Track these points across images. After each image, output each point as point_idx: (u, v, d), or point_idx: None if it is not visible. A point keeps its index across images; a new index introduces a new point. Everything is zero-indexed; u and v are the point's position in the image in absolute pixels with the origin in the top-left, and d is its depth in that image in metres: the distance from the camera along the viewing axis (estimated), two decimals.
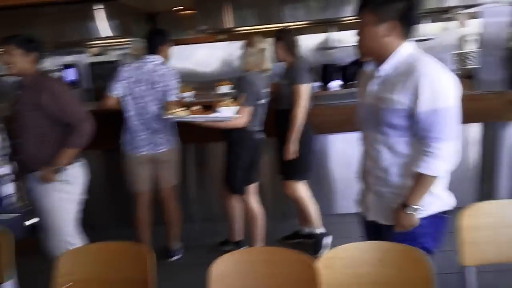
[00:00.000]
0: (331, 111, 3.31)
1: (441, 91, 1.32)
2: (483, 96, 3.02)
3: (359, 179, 1.64)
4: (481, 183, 3.17)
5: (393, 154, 1.44)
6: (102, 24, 4.56)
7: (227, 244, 2.93)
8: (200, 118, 2.44)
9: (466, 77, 3.66)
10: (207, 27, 4.65)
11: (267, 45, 2.62)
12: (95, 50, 5.40)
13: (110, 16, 4.46)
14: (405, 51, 1.39)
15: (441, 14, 4.84)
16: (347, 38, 5.28)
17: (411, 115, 1.35)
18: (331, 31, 5.21)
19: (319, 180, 3.52)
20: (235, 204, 2.84)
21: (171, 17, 5.36)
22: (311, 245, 2.91)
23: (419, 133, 1.37)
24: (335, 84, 3.70)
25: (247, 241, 2.82)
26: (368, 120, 1.50)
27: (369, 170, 1.54)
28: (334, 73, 3.74)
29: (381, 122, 1.42)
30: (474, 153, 3.24)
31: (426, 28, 5.19)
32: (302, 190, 2.88)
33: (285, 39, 2.76)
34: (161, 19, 5.48)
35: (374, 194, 1.53)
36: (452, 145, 1.35)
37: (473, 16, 4.50)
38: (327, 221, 3.33)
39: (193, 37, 5.35)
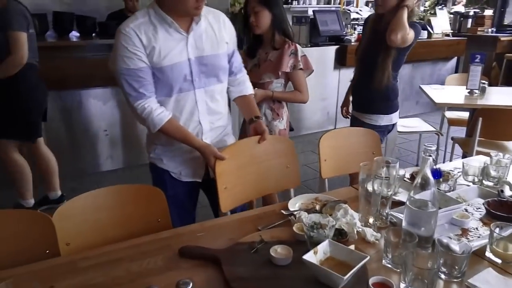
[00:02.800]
0: (76, 65, 3.06)
1: None
2: None
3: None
4: None
5: (225, 97, 1.62)
6: None
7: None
8: None
9: None
10: None
11: None
12: None
13: None
14: None
15: None
16: None
17: (230, 54, 1.59)
18: None
19: (69, 138, 3.28)
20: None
21: None
22: None
23: (237, 66, 1.65)
24: (72, 35, 3.39)
25: None
26: (196, 75, 1.46)
27: (208, 127, 1.56)
28: (70, 23, 3.40)
29: (218, 69, 1.52)
30: None
31: None
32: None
33: None
34: None
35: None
36: None
37: None
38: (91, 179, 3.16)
39: None
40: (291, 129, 2.31)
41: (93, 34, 3.44)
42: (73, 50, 3.21)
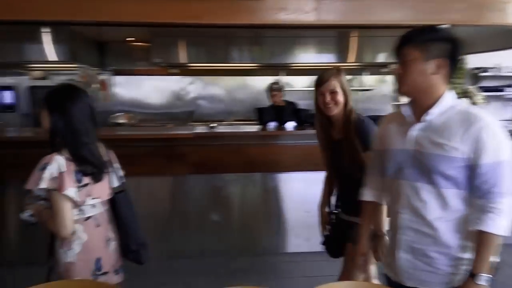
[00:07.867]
0: (287, 150, 3.44)
1: (502, 143, 1.26)
2: None
3: (389, 236, 1.51)
4: None
5: (443, 208, 1.31)
6: (48, 48, 4.33)
7: None
8: None
9: None
10: (161, 60, 4.68)
11: None
12: (37, 73, 5.08)
13: (56, 40, 4.24)
14: (450, 97, 1.33)
15: (378, 68, 5.37)
16: (296, 82, 5.65)
17: (470, 166, 1.26)
18: (281, 75, 5.53)
19: (272, 218, 3.58)
20: None
21: (122, 47, 5.34)
22: None
23: (480, 187, 1.26)
24: (290, 125, 3.86)
25: None
26: (407, 167, 1.36)
27: (406, 224, 1.37)
28: (289, 114, 3.92)
29: (432, 171, 1.30)
30: None
31: (365, 80, 5.74)
32: None
33: None
34: (111, 48, 5.41)
35: (411, 253, 1.37)
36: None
37: None
38: (278, 259, 3.36)
39: (144, 69, 5.45)
40: (138, 262, 1.76)
41: (306, 124, 3.84)
42: (288, 137, 3.61)
